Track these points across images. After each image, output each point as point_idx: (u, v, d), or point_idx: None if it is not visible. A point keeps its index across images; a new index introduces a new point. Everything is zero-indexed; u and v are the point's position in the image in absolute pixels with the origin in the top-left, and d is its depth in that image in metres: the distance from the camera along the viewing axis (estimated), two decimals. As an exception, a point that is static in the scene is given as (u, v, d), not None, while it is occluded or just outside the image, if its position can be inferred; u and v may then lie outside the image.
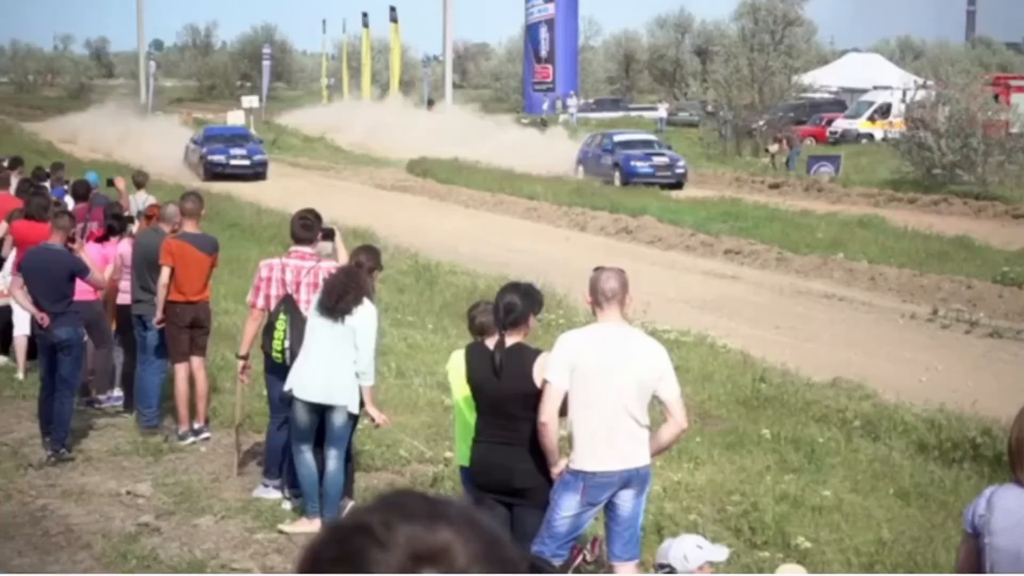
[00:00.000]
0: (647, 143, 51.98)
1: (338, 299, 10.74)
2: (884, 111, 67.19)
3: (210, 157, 51.24)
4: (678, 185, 47.40)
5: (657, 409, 8.81)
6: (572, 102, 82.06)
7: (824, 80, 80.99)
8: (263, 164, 51.73)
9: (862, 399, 15.89)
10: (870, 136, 66.23)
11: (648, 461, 8.70)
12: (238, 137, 54.60)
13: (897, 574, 10.38)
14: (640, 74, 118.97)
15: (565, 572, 9.29)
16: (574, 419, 8.55)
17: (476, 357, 9.00)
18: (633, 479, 8.61)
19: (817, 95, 76.58)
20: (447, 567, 1.75)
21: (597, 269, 8.81)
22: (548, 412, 8.51)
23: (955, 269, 27.26)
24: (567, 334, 8.94)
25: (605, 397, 8.44)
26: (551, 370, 8.50)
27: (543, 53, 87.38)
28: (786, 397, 15.77)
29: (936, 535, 11.09)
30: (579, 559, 9.30)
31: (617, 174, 48.24)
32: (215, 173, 49.62)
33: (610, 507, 8.74)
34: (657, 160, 48.97)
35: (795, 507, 11.71)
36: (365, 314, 10.79)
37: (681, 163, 49.33)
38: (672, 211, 37.55)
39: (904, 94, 51.66)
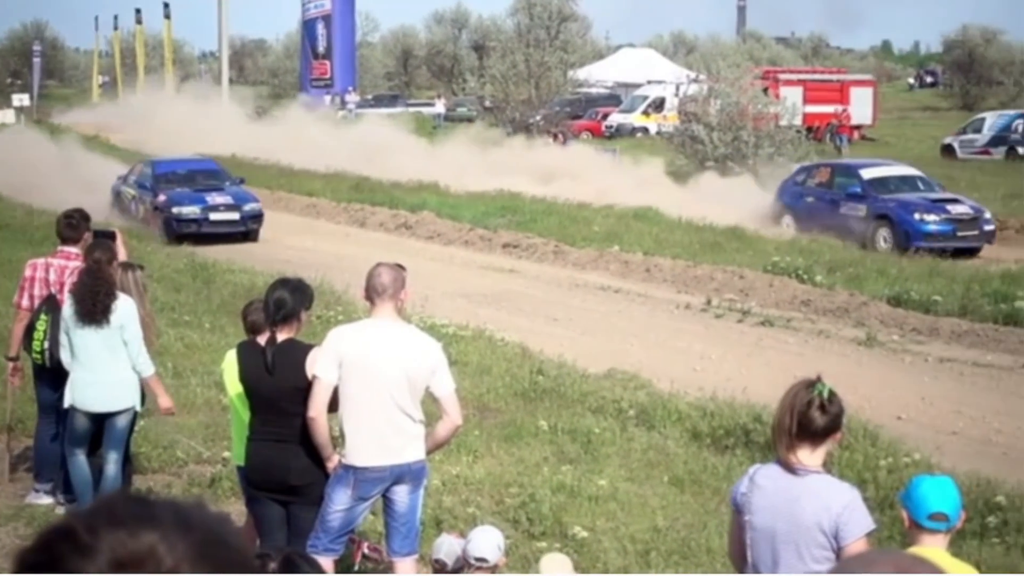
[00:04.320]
0: (915, 182, 34.35)
1: (94, 302, 10.61)
2: (658, 105, 68.39)
3: (175, 210, 32.70)
4: (977, 249, 31.75)
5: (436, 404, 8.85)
6: (351, 98, 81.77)
7: (599, 75, 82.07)
8: (257, 218, 33.61)
9: (637, 389, 16.12)
10: (645, 130, 67.26)
11: (422, 456, 8.72)
12: (207, 175, 35.43)
13: (671, 560, 10.59)
14: (418, 70, 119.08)
15: (350, 568, 9.30)
16: (344, 414, 8.57)
17: (248, 355, 8.96)
18: (406, 474, 8.64)
19: (593, 90, 77.64)
20: (152, 570, 1.73)
21: (378, 265, 8.84)
22: (317, 406, 8.52)
23: (728, 259, 27.82)
24: (337, 328, 8.98)
25: (374, 392, 8.46)
26: (319, 364, 8.51)
27: (320, 49, 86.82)
28: (563, 389, 15.94)
29: (709, 521, 11.32)
30: (359, 554, 9.29)
31: (885, 235, 32.00)
32: (185, 234, 32.19)
33: (386, 502, 8.77)
34: (956, 211, 32.11)
35: (572, 497, 11.86)
36: (124, 307, 10.72)
37: (987, 215, 32.54)
38: (451, 206, 37.61)
39: (677, 88, 52.73)
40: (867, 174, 34.15)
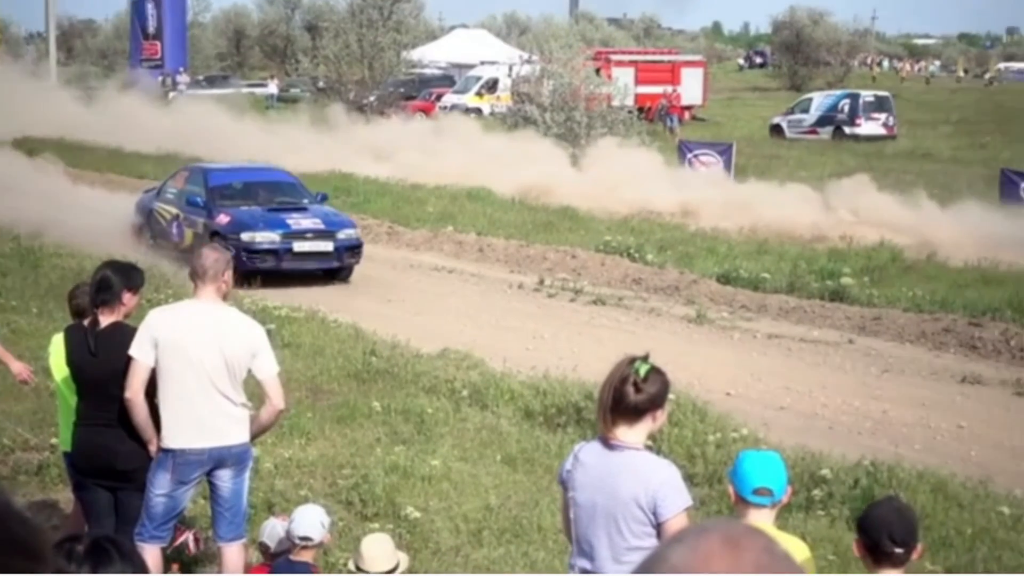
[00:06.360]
0: None
1: None
2: (491, 86, 68.52)
3: (245, 237, 24.15)
4: None
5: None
6: (182, 79, 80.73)
7: (433, 56, 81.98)
8: (356, 250, 25.05)
9: (470, 368, 16.17)
10: (478, 110, 67.30)
11: (244, 440, 8.66)
12: (278, 189, 26.76)
13: (503, 538, 10.65)
14: (251, 50, 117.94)
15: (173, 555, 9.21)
16: (161, 396, 8.50)
17: (74, 338, 8.85)
18: (227, 458, 8.58)
19: (427, 70, 77.43)
20: None
21: (202, 247, 8.79)
22: (132, 388, 8.44)
23: (560, 239, 28.03)
24: (155, 310, 8.90)
25: (191, 374, 8.40)
26: (134, 345, 8.44)
27: (150, 29, 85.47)
28: (396, 369, 15.93)
29: (541, 498, 11.39)
30: (181, 540, 9.18)
31: None
32: (259, 270, 23.86)
33: (211, 487, 8.71)
34: None
35: (405, 477, 11.87)
36: None
37: None
38: (284, 188, 37.29)
39: (510, 69, 52.74)
40: None
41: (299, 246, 24.29)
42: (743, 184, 36.21)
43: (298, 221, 24.72)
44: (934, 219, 30.13)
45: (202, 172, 26.88)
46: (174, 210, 26.24)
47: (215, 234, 24.11)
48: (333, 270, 24.72)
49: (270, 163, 31.30)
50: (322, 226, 24.67)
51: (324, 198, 26.62)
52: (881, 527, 5.94)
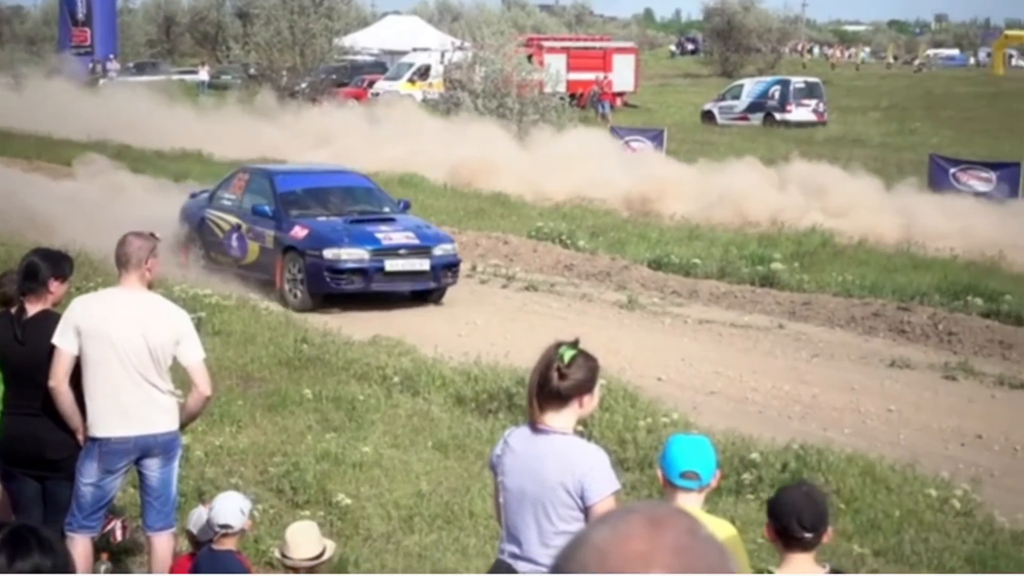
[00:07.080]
0: None
1: None
2: (423, 72, 68.30)
3: (328, 254, 21.04)
4: None
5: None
6: (112, 66, 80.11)
7: (365, 42, 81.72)
8: (453, 268, 21.95)
9: (402, 355, 16.15)
10: (411, 97, 67.17)
11: (172, 428, 8.60)
12: (355, 196, 23.55)
13: (435, 524, 10.66)
14: (181, 37, 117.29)
15: (104, 546, 9.15)
16: (86, 384, 8.44)
17: (1, 327, 8.77)
18: (153, 446, 8.53)
19: (359, 57, 77.22)
20: None
21: (127, 234, 8.71)
22: (56, 377, 8.39)
23: (492, 226, 28.03)
24: (78, 298, 8.86)
25: (115, 362, 8.35)
26: (57, 334, 8.38)
27: (80, 16, 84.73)
28: (328, 356, 15.88)
29: (472, 484, 11.41)
30: (108, 528, 9.11)
31: None
32: (344, 292, 21.39)
33: (140, 477, 8.67)
34: None
35: (336, 465, 11.86)
36: None
37: None
38: (215, 175, 36.92)
39: (442, 56, 52.69)
40: None
41: (391, 264, 21.24)
42: (692, 166, 35.98)
43: (388, 235, 21.55)
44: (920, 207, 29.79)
45: (267, 176, 23.42)
46: (233, 219, 22.96)
47: (290, 249, 21.50)
48: (427, 291, 21.81)
49: (343, 166, 27.65)
50: (416, 241, 21.59)
51: (407, 206, 23.46)
52: (790, 512, 6.00)
